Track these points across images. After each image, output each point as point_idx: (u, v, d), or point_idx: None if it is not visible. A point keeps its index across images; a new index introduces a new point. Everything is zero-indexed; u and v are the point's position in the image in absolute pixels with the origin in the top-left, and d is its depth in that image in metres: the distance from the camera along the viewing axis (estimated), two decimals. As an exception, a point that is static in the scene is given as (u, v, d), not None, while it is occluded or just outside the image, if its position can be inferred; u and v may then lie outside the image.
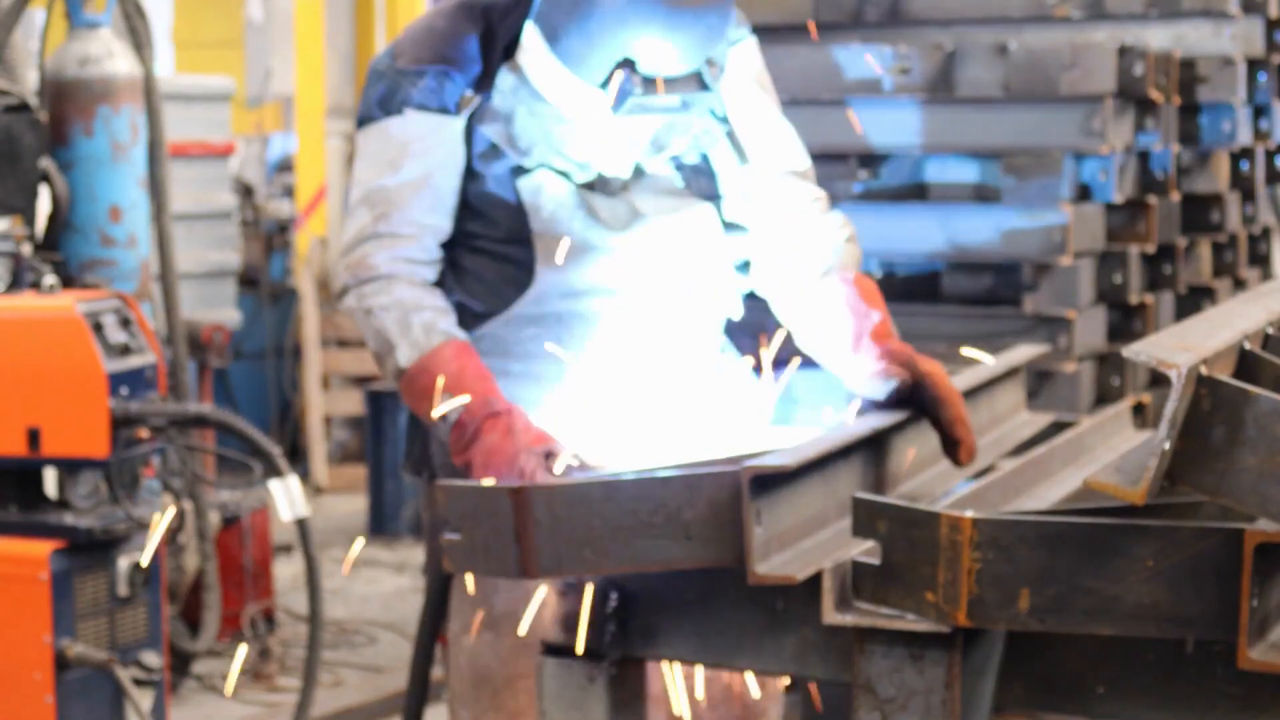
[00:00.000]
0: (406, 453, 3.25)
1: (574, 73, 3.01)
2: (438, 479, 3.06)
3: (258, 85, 13.51)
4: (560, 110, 3.08)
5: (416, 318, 3.02)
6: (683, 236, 3.15)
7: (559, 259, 3.07)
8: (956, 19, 5.70)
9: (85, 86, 5.54)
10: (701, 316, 3.17)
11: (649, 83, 2.98)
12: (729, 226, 3.22)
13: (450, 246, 3.14)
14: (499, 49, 3.11)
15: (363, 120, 3.17)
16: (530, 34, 3.07)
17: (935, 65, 5.36)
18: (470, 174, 3.12)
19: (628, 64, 2.97)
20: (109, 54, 5.58)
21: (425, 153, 3.09)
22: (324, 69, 9.64)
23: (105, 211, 5.55)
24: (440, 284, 3.12)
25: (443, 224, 3.12)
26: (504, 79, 3.10)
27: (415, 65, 3.10)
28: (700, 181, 3.20)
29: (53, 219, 5.35)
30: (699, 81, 3.02)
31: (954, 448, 2.86)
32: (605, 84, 2.99)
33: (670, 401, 3.06)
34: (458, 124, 3.10)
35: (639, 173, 3.16)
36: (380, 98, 3.12)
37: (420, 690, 3.14)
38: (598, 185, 3.14)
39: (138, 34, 5.62)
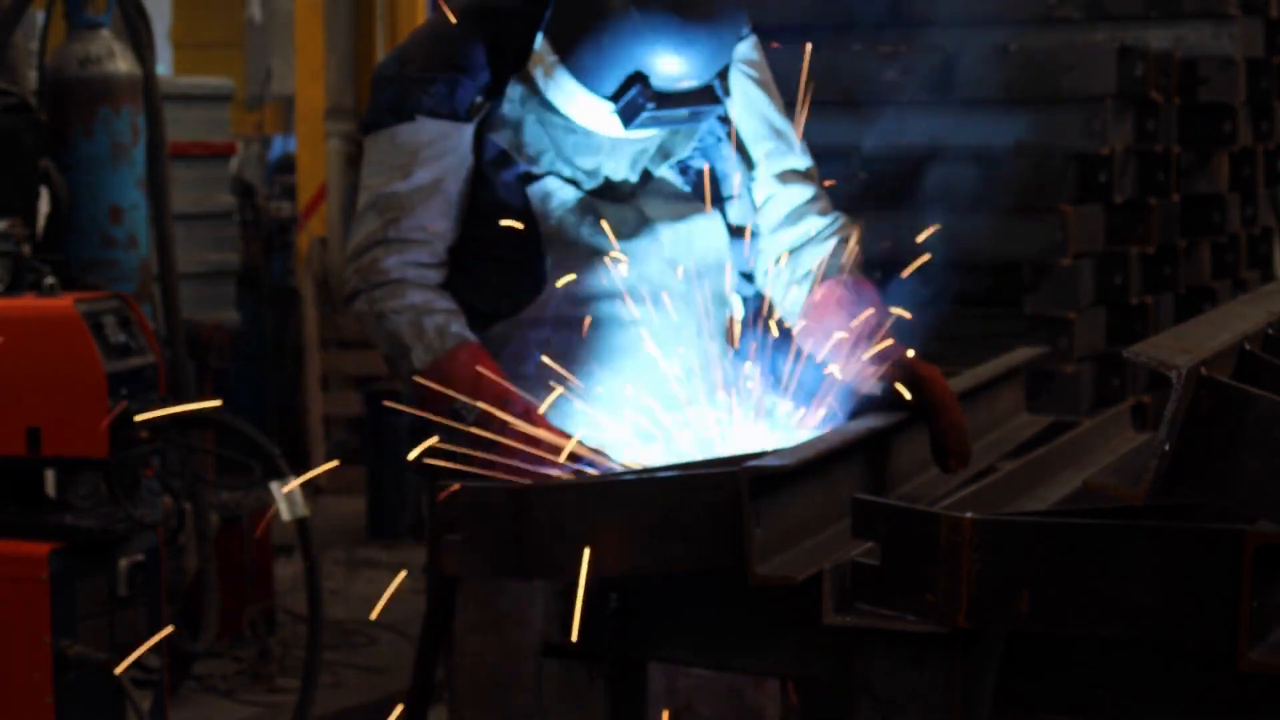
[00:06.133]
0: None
1: (585, 85, 3.01)
2: (443, 479, 3.06)
3: (258, 86, 13.51)
4: (570, 121, 3.09)
5: (429, 321, 3.02)
6: (689, 241, 3.16)
7: (567, 265, 3.08)
8: (956, 20, 5.70)
9: (85, 87, 5.54)
10: (707, 319, 3.17)
11: (661, 95, 2.97)
12: (734, 230, 3.23)
13: (459, 251, 3.14)
14: (507, 56, 3.11)
15: (370, 125, 3.17)
16: (541, 45, 3.07)
17: (935, 66, 5.36)
18: (479, 180, 3.12)
19: (639, 77, 2.97)
20: (109, 54, 5.58)
21: (436, 159, 3.09)
22: (324, 69, 9.63)
23: (105, 212, 5.56)
24: (448, 287, 3.13)
25: (451, 230, 3.12)
26: (513, 88, 3.11)
27: (425, 72, 3.10)
28: (706, 186, 3.21)
29: (53, 219, 5.35)
30: (711, 93, 3.02)
31: (945, 455, 2.86)
32: (616, 95, 2.99)
33: (676, 403, 3.06)
34: (468, 131, 3.11)
35: (646, 179, 3.17)
36: (390, 103, 3.12)
37: (424, 690, 3.14)
38: (605, 192, 3.14)
39: (138, 35, 5.62)
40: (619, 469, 2.78)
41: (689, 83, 2.99)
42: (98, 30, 5.62)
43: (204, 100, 7.80)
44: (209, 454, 5.61)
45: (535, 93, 3.11)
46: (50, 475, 4.33)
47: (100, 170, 5.56)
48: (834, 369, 3.00)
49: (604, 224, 3.12)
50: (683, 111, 3.01)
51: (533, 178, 3.12)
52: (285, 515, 4.59)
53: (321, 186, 9.70)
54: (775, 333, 3.11)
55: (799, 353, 3.05)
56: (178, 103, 7.18)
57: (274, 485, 4.55)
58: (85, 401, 4.21)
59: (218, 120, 7.86)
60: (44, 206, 5.34)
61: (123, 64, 5.59)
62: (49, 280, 4.66)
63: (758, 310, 3.23)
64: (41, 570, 4.15)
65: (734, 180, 3.23)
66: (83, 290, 4.92)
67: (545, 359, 3.05)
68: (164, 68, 12.09)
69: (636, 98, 2.97)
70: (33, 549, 4.19)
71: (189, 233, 7.09)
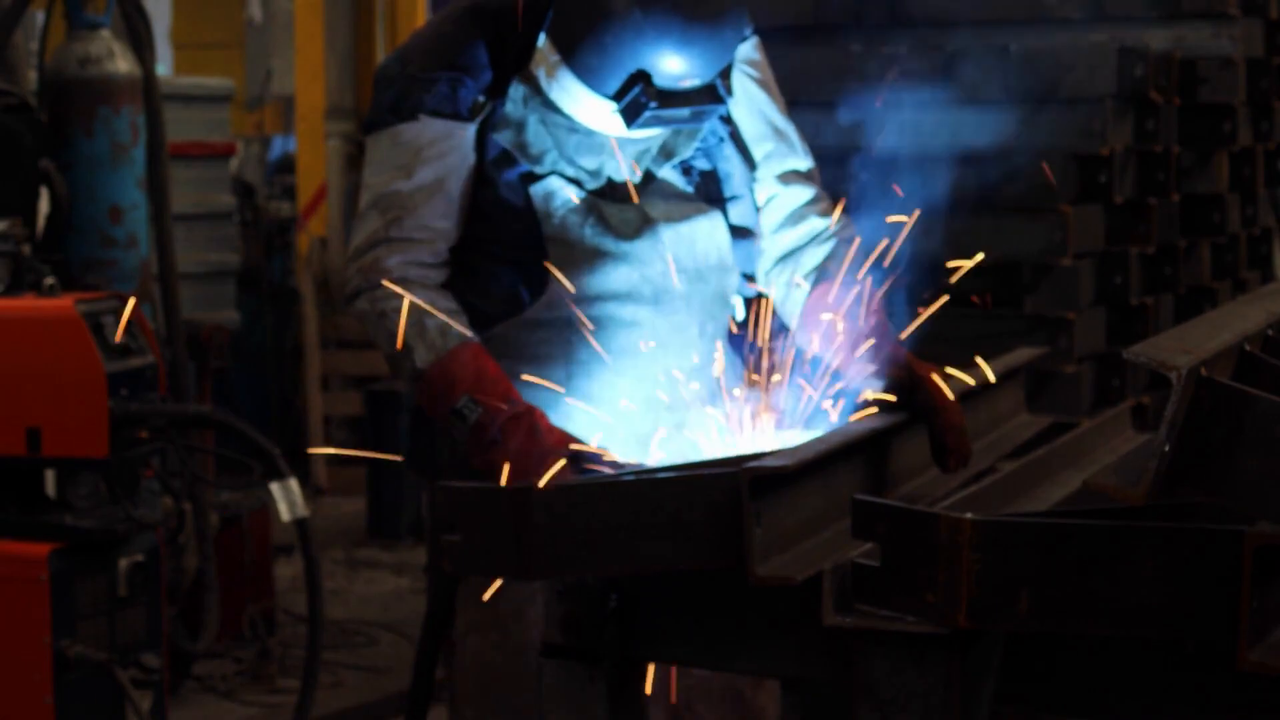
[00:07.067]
0: (410, 452, 3.25)
1: (587, 85, 3.02)
2: (443, 479, 3.06)
3: (258, 86, 13.51)
4: (573, 120, 3.09)
5: (431, 320, 3.02)
6: (691, 242, 3.16)
7: (570, 265, 3.08)
8: (956, 20, 5.70)
9: (85, 87, 5.55)
10: (709, 319, 3.17)
11: (663, 94, 2.98)
12: (736, 230, 3.23)
13: (462, 250, 3.14)
14: (509, 56, 3.11)
15: (372, 125, 3.17)
16: (543, 45, 3.07)
17: (935, 66, 5.35)
18: (482, 180, 3.13)
19: (642, 76, 2.97)
20: (109, 54, 5.58)
21: (438, 158, 3.09)
22: (324, 70, 9.63)
23: (105, 212, 5.56)
24: (450, 287, 3.13)
25: (453, 229, 3.12)
26: (516, 88, 3.11)
27: (427, 71, 3.10)
28: (708, 186, 3.21)
29: (53, 219, 5.35)
30: (713, 93, 3.02)
31: (944, 455, 2.86)
32: (618, 94, 2.99)
33: (677, 403, 3.06)
34: (470, 130, 3.11)
35: (648, 179, 3.17)
36: (392, 103, 3.12)
37: (424, 691, 3.15)
38: (608, 192, 3.15)
39: (138, 35, 5.62)
40: (619, 469, 2.78)
41: (691, 82, 2.99)
42: (98, 30, 5.63)
43: (204, 100, 7.80)
44: (209, 454, 5.61)
45: (538, 92, 3.11)
46: (50, 475, 4.34)
47: (100, 170, 5.56)
48: (834, 369, 3.00)
49: (605, 224, 3.12)
50: (685, 111, 3.01)
51: (535, 177, 3.12)
52: (285, 516, 4.59)
53: (321, 186, 9.69)
54: (778, 333, 3.12)
55: (799, 353, 3.05)
56: (178, 103, 7.18)
57: (274, 485, 4.55)
58: (85, 401, 4.21)
59: (218, 120, 7.86)
60: (44, 206, 5.34)
61: (123, 64, 5.59)
62: (49, 280, 4.66)
63: (759, 311, 3.23)
64: (41, 570, 4.16)
65: (736, 181, 3.23)
66: (83, 290, 4.92)
67: (544, 357, 3.06)
68: (164, 68, 12.09)
69: (639, 97, 2.97)
70: (33, 549, 4.19)
71: (189, 233, 7.09)
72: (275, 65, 13.09)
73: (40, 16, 6.13)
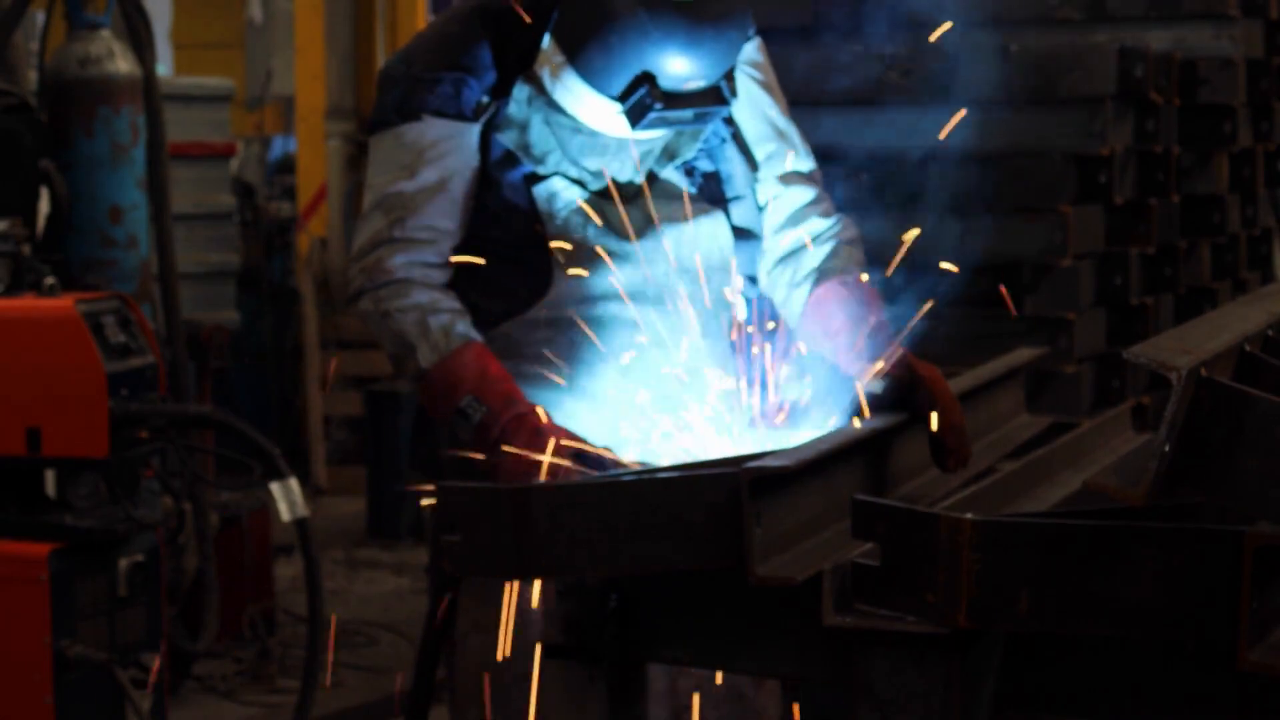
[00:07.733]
0: (413, 452, 3.25)
1: (592, 86, 3.02)
2: (446, 479, 3.07)
3: (258, 86, 13.51)
4: (577, 121, 3.09)
5: (434, 320, 3.03)
6: (694, 242, 3.16)
7: (573, 265, 3.08)
8: (956, 20, 5.69)
9: (85, 87, 5.55)
10: (711, 320, 3.17)
11: (668, 96, 2.98)
12: (738, 231, 3.23)
13: (465, 250, 3.14)
14: (513, 57, 3.12)
15: (376, 125, 3.17)
16: (548, 46, 3.07)
17: (935, 67, 5.35)
18: (485, 180, 3.13)
19: (647, 77, 2.97)
20: (109, 55, 5.58)
21: (441, 158, 3.10)
22: (324, 70, 9.63)
23: (105, 212, 5.56)
24: (453, 286, 3.13)
25: (457, 229, 3.13)
26: (520, 88, 3.11)
27: (431, 71, 3.10)
28: (711, 187, 3.22)
29: (53, 219, 5.35)
30: (718, 94, 3.02)
31: (944, 455, 2.86)
32: (623, 95, 2.99)
33: (679, 403, 3.07)
34: (474, 130, 3.11)
35: (651, 179, 3.17)
36: (396, 103, 3.12)
37: (424, 691, 3.15)
38: (610, 192, 3.15)
39: (138, 35, 5.62)
40: (620, 469, 2.78)
41: (696, 83, 3.00)
42: (98, 30, 5.63)
43: (204, 100, 7.80)
44: (209, 454, 5.61)
45: (542, 93, 3.11)
46: (50, 475, 4.34)
47: (100, 170, 5.56)
48: (835, 370, 3.00)
49: (608, 224, 3.12)
50: (689, 112, 3.02)
51: (538, 178, 3.12)
52: (285, 516, 4.59)
53: (321, 187, 9.69)
54: (779, 334, 3.12)
55: (800, 354, 3.05)
56: (178, 103, 7.18)
57: (274, 485, 4.55)
58: (85, 401, 4.21)
59: (218, 120, 7.86)
60: (44, 206, 5.34)
61: (123, 64, 5.59)
62: (49, 280, 4.66)
63: (760, 311, 3.23)
64: (41, 570, 4.16)
65: (738, 182, 3.23)
66: (83, 290, 4.92)
67: (549, 359, 3.06)
68: (164, 68, 12.08)
69: (644, 98, 2.97)
70: (33, 549, 4.19)
71: (189, 233, 7.09)
72: (275, 65, 13.09)
73: (40, 16, 6.13)
